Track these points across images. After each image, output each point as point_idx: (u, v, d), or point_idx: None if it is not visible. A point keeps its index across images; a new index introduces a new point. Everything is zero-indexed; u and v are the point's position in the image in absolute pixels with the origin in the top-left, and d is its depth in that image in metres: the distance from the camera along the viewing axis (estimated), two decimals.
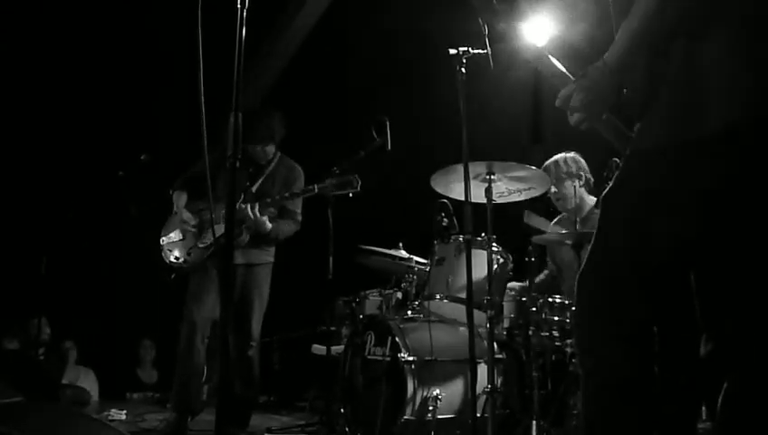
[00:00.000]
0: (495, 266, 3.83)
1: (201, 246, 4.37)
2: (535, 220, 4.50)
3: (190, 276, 4.41)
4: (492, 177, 3.72)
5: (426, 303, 4.03)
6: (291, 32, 6.95)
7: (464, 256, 3.47)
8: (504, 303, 4.03)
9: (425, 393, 3.64)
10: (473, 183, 3.44)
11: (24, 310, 6.50)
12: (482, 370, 3.53)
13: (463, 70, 3.36)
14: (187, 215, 4.44)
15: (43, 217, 5.77)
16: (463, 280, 3.47)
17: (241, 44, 2.22)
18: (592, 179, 4.39)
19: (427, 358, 3.70)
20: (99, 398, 6.74)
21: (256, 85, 7.45)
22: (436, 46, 3.64)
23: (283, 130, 4.52)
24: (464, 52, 3.36)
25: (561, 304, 3.88)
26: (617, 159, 3.34)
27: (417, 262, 4.56)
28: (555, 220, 4.63)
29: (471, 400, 3.23)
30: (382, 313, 4.82)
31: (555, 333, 3.83)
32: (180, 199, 4.54)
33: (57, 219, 5.65)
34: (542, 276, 4.58)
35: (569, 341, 3.76)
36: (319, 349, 5.48)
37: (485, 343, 3.55)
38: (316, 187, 4.18)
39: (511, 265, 4.13)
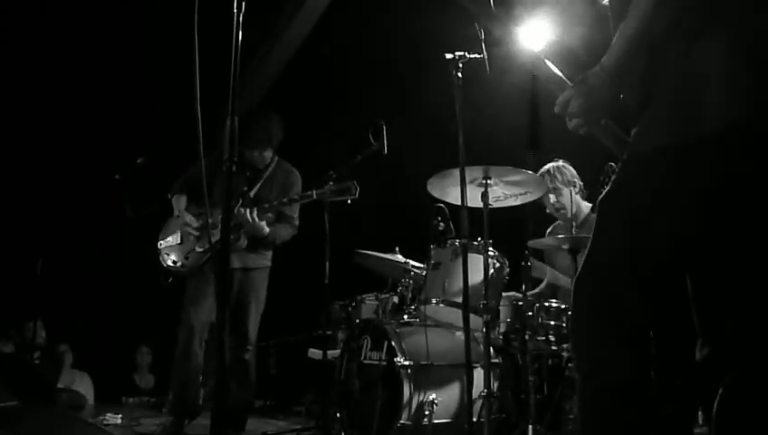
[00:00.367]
0: (492, 271, 3.83)
1: (199, 250, 4.37)
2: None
3: (188, 280, 4.41)
4: (488, 181, 3.72)
5: (422, 307, 4.02)
6: (287, 35, 6.95)
7: (460, 260, 3.47)
8: (500, 307, 4.03)
9: (421, 398, 3.63)
10: (469, 187, 3.44)
11: (19, 313, 6.49)
12: (478, 374, 3.54)
13: (459, 74, 3.37)
14: (189, 218, 4.43)
15: (39, 219, 5.76)
16: (459, 284, 3.48)
17: (238, 48, 2.22)
18: (583, 184, 4.40)
19: (423, 362, 3.70)
20: (94, 402, 6.72)
21: (253, 88, 7.45)
22: (433, 51, 3.64)
23: (281, 134, 4.52)
24: (460, 56, 3.37)
25: (558, 308, 3.88)
26: (613, 164, 3.35)
27: (413, 266, 4.55)
28: (550, 229, 4.64)
29: (467, 404, 3.22)
30: (378, 317, 4.82)
31: (551, 338, 3.83)
32: (180, 203, 4.53)
33: (53, 221, 5.64)
34: (542, 286, 4.58)
35: (565, 345, 3.75)
36: (315, 353, 5.47)
37: (482, 347, 3.55)
38: (314, 193, 4.18)
39: (507, 270, 4.14)
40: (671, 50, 1.79)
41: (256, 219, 4.21)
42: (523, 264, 3.95)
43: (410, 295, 4.42)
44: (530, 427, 3.59)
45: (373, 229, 5.90)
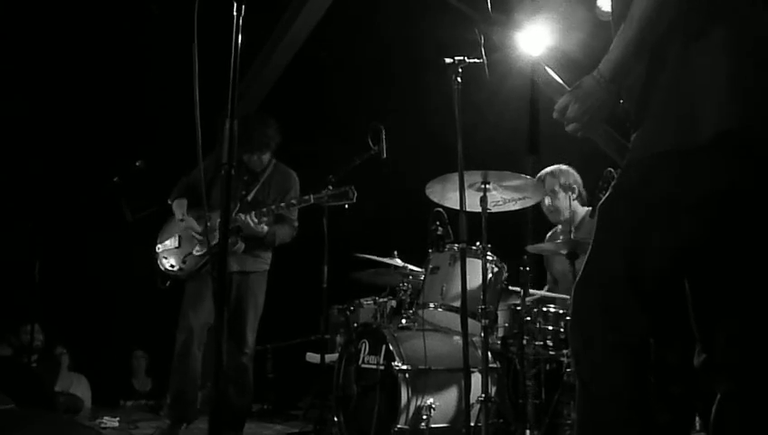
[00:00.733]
0: (490, 275, 3.83)
1: (196, 253, 4.37)
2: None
3: (187, 284, 4.40)
4: (487, 186, 3.72)
5: (420, 311, 4.03)
6: (287, 40, 6.95)
7: (458, 264, 3.47)
8: (498, 312, 4.03)
9: (419, 402, 3.63)
10: (468, 192, 3.44)
11: (16, 316, 6.47)
12: (476, 379, 3.53)
13: (459, 79, 3.37)
14: (193, 222, 4.43)
15: (36, 222, 5.75)
16: (457, 289, 3.48)
17: (237, 51, 2.22)
18: (585, 193, 4.40)
19: (421, 367, 3.70)
20: (91, 405, 6.71)
21: (251, 93, 7.45)
22: (433, 55, 3.65)
23: (279, 138, 4.52)
24: (460, 61, 3.37)
25: (556, 313, 3.88)
26: (611, 170, 3.35)
27: (411, 270, 4.56)
28: (549, 234, 4.64)
29: (465, 409, 3.22)
30: (377, 321, 4.81)
31: (549, 343, 3.82)
32: (182, 207, 4.53)
33: (51, 225, 5.63)
34: (543, 291, 4.58)
35: (563, 350, 3.75)
36: (313, 357, 5.47)
37: (480, 352, 3.55)
38: (312, 197, 4.18)
39: (506, 274, 4.14)
40: (670, 54, 1.78)
41: (255, 221, 4.21)
42: (521, 269, 3.95)
43: (408, 300, 4.42)
44: (527, 432, 3.60)
45: (372, 233, 5.90)
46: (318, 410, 4.89)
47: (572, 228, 4.15)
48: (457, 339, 3.83)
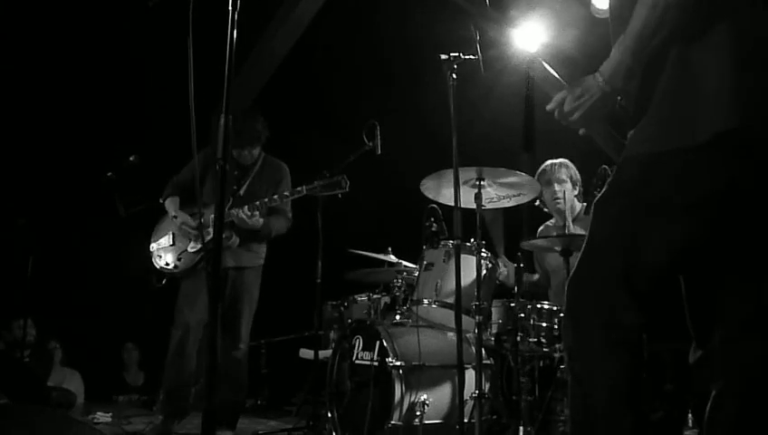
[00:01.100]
0: (484, 272, 3.83)
1: (191, 250, 4.35)
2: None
3: (182, 280, 4.39)
4: (481, 182, 3.72)
5: (414, 308, 4.02)
6: (281, 35, 6.93)
7: (452, 261, 3.47)
8: (492, 308, 4.03)
9: (412, 398, 3.63)
10: (462, 188, 3.45)
11: (9, 311, 6.46)
12: (469, 375, 3.54)
13: (454, 75, 3.37)
14: (186, 217, 4.41)
15: (29, 217, 5.73)
16: (451, 285, 3.48)
17: (232, 47, 2.22)
18: (583, 190, 4.41)
19: (414, 363, 3.70)
20: (84, 400, 6.70)
21: (246, 88, 7.43)
22: (428, 51, 3.64)
23: (267, 132, 4.52)
24: (455, 57, 3.36)
25: (550, 310, 3.88)
26: (606, 167, 3.35)
27: (405, 267, 4.55)
28: (541, 228, 4.64)
29: (458, 405, 3.22)
30: (370, 317, 4.81)
31: (543, 339, 3.82)
32: (175, 204, 4.51)
33: (44, 220, 5.62)
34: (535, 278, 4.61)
35: (557, 346, 3.76)
36: (307, 353, 5.47)
37: (473, 348, 3.55)
38: (305, 188, 4.19)
39: (499, 271, 4.13)
40: (670, 54, 1.78)
41: (248, 215, 4.20)
42: (515, 265, 3.96)
43: (402, 296, 4.42)
44: (521, 428, 3.60)
45: (366, 229, 5.89)
46: (311, 405, 4.89)
47: (569, 223, 4.15)
48: (451, 335, 3.83)
